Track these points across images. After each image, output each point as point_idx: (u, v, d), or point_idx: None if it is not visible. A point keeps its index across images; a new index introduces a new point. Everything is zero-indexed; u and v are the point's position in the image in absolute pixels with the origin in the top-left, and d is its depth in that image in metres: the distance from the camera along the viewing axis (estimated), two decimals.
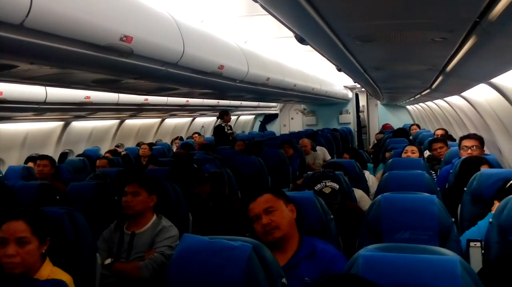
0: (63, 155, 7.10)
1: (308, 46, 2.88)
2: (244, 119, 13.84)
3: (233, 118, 12.80)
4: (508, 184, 2.26)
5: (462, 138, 3.63)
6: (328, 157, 6.94)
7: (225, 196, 3.40)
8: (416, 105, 10.61)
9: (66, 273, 1.87)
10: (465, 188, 2.63)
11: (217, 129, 7.51)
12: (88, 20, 2.05)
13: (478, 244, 1.92)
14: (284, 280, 1.43)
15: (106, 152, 6.60)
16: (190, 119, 10.89)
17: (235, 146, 6.72)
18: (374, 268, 1.15)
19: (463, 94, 4.49)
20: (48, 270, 1.83)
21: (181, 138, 9.40)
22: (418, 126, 8.57)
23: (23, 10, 1.73)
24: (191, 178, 3.22)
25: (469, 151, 3.46)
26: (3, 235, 1.74)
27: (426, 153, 4.84)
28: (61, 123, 6.73)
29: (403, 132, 7.07)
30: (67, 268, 1.90)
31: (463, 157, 3.27)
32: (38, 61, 2.43)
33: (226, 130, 7.42)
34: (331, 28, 1.70)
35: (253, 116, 14.12)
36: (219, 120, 7.50)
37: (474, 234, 2.13)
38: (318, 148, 6.96)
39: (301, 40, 2.44)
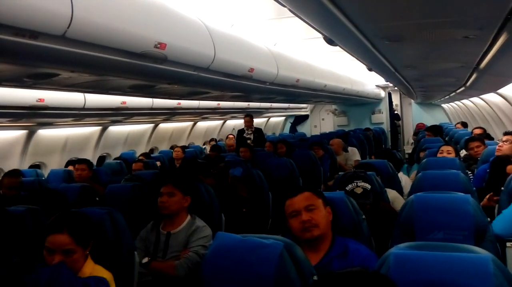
0: (101, 159, 7.34)
1: (338, 47, 2.88)
2: (275, 120, 13.84)
3: (263, 120, 12.86)
4: None
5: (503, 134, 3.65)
6: (358, 157, 6.85)
7: (228, 184, 3.43)
8: (451, 104, 10.31)
9: (107, 270, 1.94)
10: (502, 188, 2.56)
11: (238, 133, 7.45)
12: (125, 29, 2.15)
13: None
14: (315, 277, 1.45)
15: (140, 155, 6.79)
16: (221, 121, 11.02)
17: (266, 147, 6.69)
18: (404, 266, 1.16)
19: (500, 91, 4.34)
20: (90, 268, 1.90)
21: (215, 140, 9.56)
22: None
23: (65, 21, 1.84)
24: (195, 172, 3.27)
25: (501, 143, 3.43)
26: (49, 246, 1.82)
27: (463, 152, 4.71)
28: (99, 128, 6.97)
29: (437, 129, 6.85)
30: (107, 265, 1.97)
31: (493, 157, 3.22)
32: (78, 69, 2.56)
33: (245, 134, 7.26)
34: (359, 29, 1.70)
35: (284, 117, 14.10)
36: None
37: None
38: (350, 149, 6.89)
39: (330, 42, 2.46)
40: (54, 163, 6.29)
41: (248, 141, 7.08)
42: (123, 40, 2.17)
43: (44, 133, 6.08)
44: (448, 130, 8.06)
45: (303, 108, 13.03)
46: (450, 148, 4.22)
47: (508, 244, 1.87)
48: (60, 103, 4.57)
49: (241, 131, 7.32)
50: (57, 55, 2.07)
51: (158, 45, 2.34)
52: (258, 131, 7.36)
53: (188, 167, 3.30)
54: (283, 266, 1.40)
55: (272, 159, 5.03)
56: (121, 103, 5.30)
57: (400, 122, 11.99)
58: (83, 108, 4.88)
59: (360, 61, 3.97)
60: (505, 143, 3.47)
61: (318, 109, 13.46)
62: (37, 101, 4.30)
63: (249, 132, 7.26)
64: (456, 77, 3.85)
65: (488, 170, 3.25)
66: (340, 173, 3.20)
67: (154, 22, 2.39)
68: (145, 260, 2.41)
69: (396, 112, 11.75)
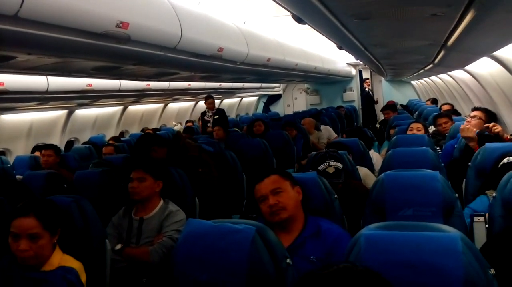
0: (69, 143, 7.15)
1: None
2: (248, 100, 13.79)
3: (236, 100, 12.77)
4: (500, 164, 2.27)
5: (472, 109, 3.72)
6: (334, 135, 6.92)
7: (179, 147, 3.41)
8: (420, 80, 10.51)
9: (76, 260, 1.89)
10: (469, 163, 2.63)
11: (201, 115, 7.07)
12: (83, 7, 2.04)
13: (482, 218, 1.92)
14: (288, 260, 1.45)
15: (110, 139, 6.64)
16: (193, 102, 10.88)
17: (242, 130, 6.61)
18: (375, 247, 1.16)
19: (467, 68, 4.43)
20: (59, 258, 1.86)
21: (192, 122, 9.44)
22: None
23: (17, 0, 1.72)
24: (148, 143, 3.25)
25: (469, 119, 3.49)
26: (15, 231, 1.76)
27: (431, 128, 4.82)
28: (65, 111, 6.76)
29: (393, 106, 7.07)
30: (77, 255, 1.93)
31: None
32: (36, 51, 2.43)
33: (206, 116, 6.89)
34: (327, 7, 1.67)
35: (257, 97, 14.05)
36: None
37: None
38: (323, 127, 6.94)
39: (299, 20, 2.41)
40: (20, 150, 6.09)
41: (208, 125, 6.71)
42: (82, 20, 2.05)
43: (7, 118, 5.85)
44: (417, 107, 8.24)
45: (276, 88, 13.02)
46: (419, 125, 4.30)
47: (475, 218, 1.92)
48: (22, 86, 4.40)
49: (202, 114, 7.04)
50: (11, 36, 1.95)
51: (120, 25, 2.24)
52: (219, 113, 6.90)
53: (142, 140, 3.27)
54: (256, 251, 1.40)
55: (245, 140, 5.01)
56: (87, 86, 5.13)
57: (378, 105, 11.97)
58: (47, 92, 4.71)
59: (330, 40, 3.95)
60: (473, 118, 3.53)
61: (291, 88, 13.47)
62: None
63: (210, 114, 6.89)
64: (424, 54, 3.90)
65: (455, 146, 3.34)
66: (312, 153, 3.21)
67: (115, 0, 2.28)
68: (118, 246, 2.36)
69: (368, 92, 11.80)
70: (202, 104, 10.96)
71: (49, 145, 4.74)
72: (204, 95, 7.40)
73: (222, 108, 7.62)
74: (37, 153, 5.66)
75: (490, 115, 3.62)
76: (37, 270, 1.80)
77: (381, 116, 8.98)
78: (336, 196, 2.19)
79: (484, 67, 3.85)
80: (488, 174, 2.36)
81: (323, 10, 1.71)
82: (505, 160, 2.31)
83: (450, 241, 1.12)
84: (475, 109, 3.74)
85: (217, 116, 6.81)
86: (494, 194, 2.21)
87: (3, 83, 4.16)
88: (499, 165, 2.30)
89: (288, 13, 2.66)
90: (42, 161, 4.50)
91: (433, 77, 8.06)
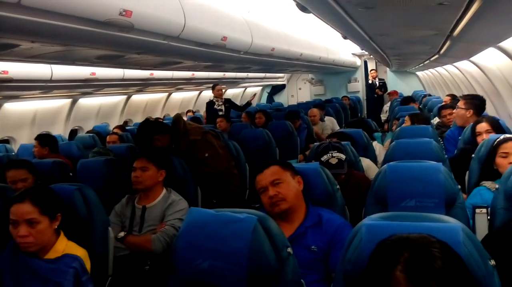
0: (73, 132, 7.17)
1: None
2: (251, 90, 13.75)
3: (240, 90, 12.73)
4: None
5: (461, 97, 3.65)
6: (337, 127, 6.90)
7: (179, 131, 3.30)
8: (425, 71, 10.42)
9: (81, 247, 1.91)
10: (473, 155, 2.61)
11: (207, 105, 6.78)
12: None
13: (484, 210, 1.92)
14: (289, 249, 1.45)
15: (115, 128, 6.65)
16: (197, 92, 10.85)
17: (242, 118, 6.60)
18: (376, 237, 1.16)
19: (473, 59, 4.39)
20: (63, 245, 1.87)
21: (192, 112, 9.41)
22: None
23: None
24: (150, 131, 3.16)
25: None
26: (13, 217, 1.78)
27: (436, 120, 4.79)
28: (69, 100, 6.77)
29: (411, 100, 6.95)
30: (81, 242, 1.94)
31: (471, 123, 3.23)
32: (39, 39, 2.43)
33: (216, 105, 6.61)
34: None
35: (261, 87, 14.01)
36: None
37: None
38: (327, 118, 6.93)
39: (303, 9, 2.39)
40: (24, 138, 6.11)
41: (220, 113, 6.47)
42: (85, 7, 2.04)
43: (11, 106, 5.87)
44: (421, 98, 8.20)
45: (280, 78, 12.96)
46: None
47: (477, 210, 1.92)
48: (26, 75, 4.40)
49: (210, 103, 6.72)
50: (13, 24, 1.95)
51: (124, 13, 2.23)
52: (228, 101, 6.79)
53: (144, 129, 3.19)
54: (257, 240, 1.40)
55: (248, 130, 5.01)
56: (91, 74, 5.13)
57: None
58: (51, 80, 4.71)
59: (335, 29, 3.92)
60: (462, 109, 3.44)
61: (295, 79, 13.40)
62: (0, 73, 4.11)
63: (220, 103, 6.64)
64: (430, 44, 3.86)
65: (459, 138, 3.32)
66: (315, 143, 3.20)
67: None
68: (121, 234, 2.39)
69: (381, 82, 11.62)
70: (205, 94, 10.96)
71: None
72: (210, 85, 7.28)
73: (227, 98, 7.48)
74: None
75: (476, 104, 3.42)
76: (42, 258, 1.82)
77: (386, 108, 8.93)
78: (338, 186, 2.19)
79: (490, 58, 3.81)
80: (484, 163, 2.35)
81: None
82: None
83: (451, 232, 1.11)
84: (466, 97, 3.57)
85: (228, 105, 6.70)
86: (487, 184, 2.23)
87: (7, 71, 4.17)
88: (495, 143, 2.31)
89: (292, 2, 2.64)
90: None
91: (438, 68, 7.99)
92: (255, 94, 9.68)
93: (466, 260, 1.04)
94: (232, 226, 1.43)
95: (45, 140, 4.33)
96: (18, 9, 1.81)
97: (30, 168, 2.96)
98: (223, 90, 7.29)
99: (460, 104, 3.47)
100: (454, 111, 3.46)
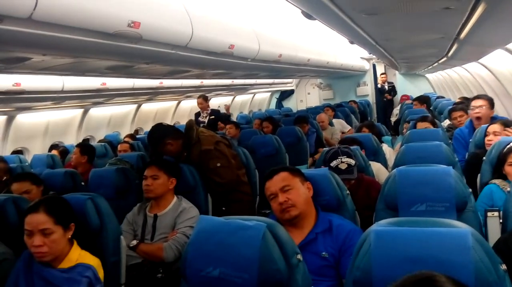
0: (85, 142, 7.25)
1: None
2: (260, 97, 13.77)
3: (249, 96, 12.76)
4: (506, 148, 2.27)
5: (471, 99, 3.61)
6: (347, 127, 6.87)
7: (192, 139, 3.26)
8: (435, 74, 10.34)
9: (94, 256, 1.94)
10: (484, 157, 2.59)
11: (195, 116, 6.77)
12: (94, 8, 2.07)
13: (496, 213, 1.90)
14: (299, 256, 1.45)
15: (126, 136, 6.71)
16: None
17: (253, 125, 6.57)
18: (385, 243, 1.16)
19: (482, 61, 4.36)
20: (77, 254, 1.90)
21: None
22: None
23: (30, 3, 1.75)
24: (162, 136, 3.12)
25: (477, 110, 3.43)
26: (28, 227, 1.81)
27: (447, 122, 4.75)
28: (81, 110, 6.86)
29: (425, 99, 6.81)
30: (94, 251, 1.96)
31: (484, 126, 3.21)
32: (50, 52, 2.48)
33: (200, 117, 6.61)
34: (335, 3, 1.66)
35: (269, 93, 14.02)
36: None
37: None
38: (335, 120, 6.91)
39: (308, 16, 2.40)
40: (37, 149, 6.20)
41: (201, 125, 6.23)
42: (94, 20, 2.08)
43: (24, 118, 5.96)
44: (432, 100, 8.12)
45: (289, 83, 12.95)
46: (427, 124, 4.14)
47: (489, 213, 1.90)
48: (38, 86, 4.47)
49: (197, 115, 6.76)
50: (25, 38, 1.99)
51: (132, 24, 2.26)
52: (214, 113, 6.76)
53: (155, 133, 3.14)
54: (266, 247, 1.40)
55: (257, 137, 5.01)
56: (101, 84, 5.19)
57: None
58: (62, 91, 4.78)
59: (341, 35, 3.92)
60: (481, 109, 3.45)
61: (304, 84, 13.39)
62: (13, 85, 4.19)
63: (204, 115, 6.65)
64: (437, 48, 3.84)
65: (471, 140, 3.29)
66: (324, 148, 3.20)
67: (126, 0, 2.30)
68: (133, 243, 2.41)
69: (390, 86, 11.55)
70: (214, 101, 11.01)
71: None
72: (219, 93, 7.22)
73: (217, 109, 7.35)
74: (54, 152, 5.77)
75: (491, 102, 3.53)
76: (56, 267, 1.84)
77: (396, 111, 8.86)
78: (348, 192, 2.18)
79: (499, 60, 3.77)
80: (495, 166, 2.35)
81: (332, 7, 1.70)
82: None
83: (460, 237, 1.11)
84: (476, 97, 3.61)
85: (213, 117, 6.66)
86: (497, 182, 2.21)
87: (20, 83, 4.23)
88: (505, 149, 2.31)
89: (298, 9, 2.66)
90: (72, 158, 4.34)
91: (448, 71, 7.94)
92: (227, 105, 9.72)
93: (476, 265, 1.03)
94: (242, 234, 1.44)
95: (86, 149, 4.34)
96: (29, 24, 1.85)
97: (33, 179, 2.97)
98: (227, 99, 7.20)
99: (485, 103, 3.47)
100: (476, 111, 3.43)
